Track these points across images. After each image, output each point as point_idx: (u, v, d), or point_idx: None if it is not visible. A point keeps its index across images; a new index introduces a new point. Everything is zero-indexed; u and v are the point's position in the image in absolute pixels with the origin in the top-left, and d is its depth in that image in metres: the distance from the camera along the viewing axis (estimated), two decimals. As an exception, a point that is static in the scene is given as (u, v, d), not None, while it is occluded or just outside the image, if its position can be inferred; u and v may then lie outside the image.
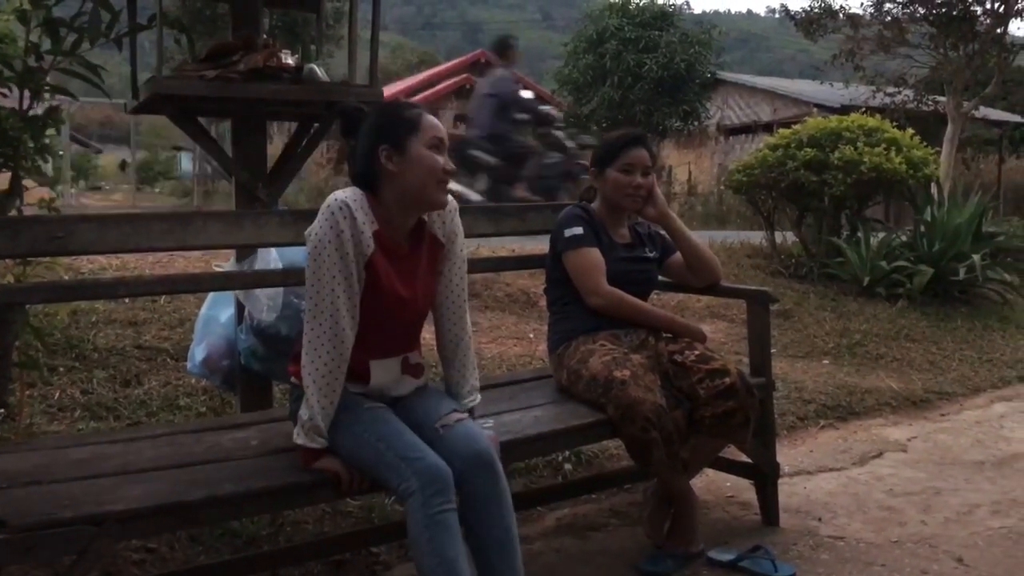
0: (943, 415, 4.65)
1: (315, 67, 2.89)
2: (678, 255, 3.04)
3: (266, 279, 2.65)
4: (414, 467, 1.94)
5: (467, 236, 2.29)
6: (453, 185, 4.96)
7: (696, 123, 20.19)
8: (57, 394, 3.39)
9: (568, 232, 2.85)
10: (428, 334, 2.31)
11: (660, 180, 19.60)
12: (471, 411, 2.27)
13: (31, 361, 3.07)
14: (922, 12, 13.87)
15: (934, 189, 7.77)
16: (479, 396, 2.33)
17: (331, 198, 2.06)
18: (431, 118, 2.14)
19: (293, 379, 2.16)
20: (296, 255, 2.78)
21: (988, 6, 13.53)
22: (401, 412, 2.15)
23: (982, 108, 15.63)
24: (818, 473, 3.63)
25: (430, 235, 2.21)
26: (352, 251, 2.03)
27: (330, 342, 2.02)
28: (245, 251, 2.89)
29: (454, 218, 2.25)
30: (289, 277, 2.64)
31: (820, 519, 3.11)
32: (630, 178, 2.89)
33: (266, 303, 2.77)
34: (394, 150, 2.09)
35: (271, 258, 2.85)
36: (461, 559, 1.92)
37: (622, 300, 2.81)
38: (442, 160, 2.11)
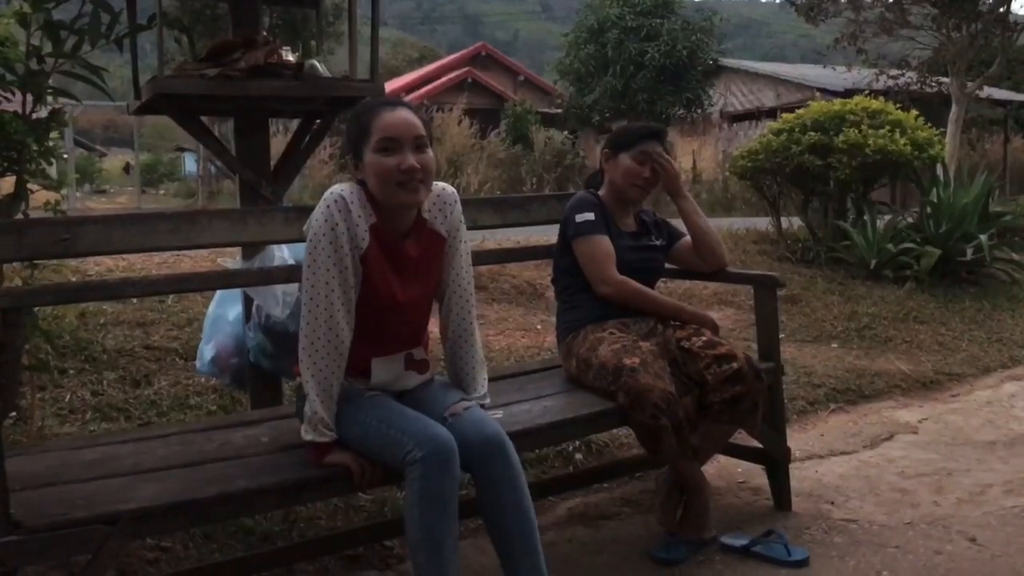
0: (953, 396, 4.64)
1: (316, 63, 2.88)
2: (685, 241, 3.03)
3: (274, 276, 2.65)
4: (417, 438, 1.94)
5: (472, 228, 2.28)
6: None
7: (699, 111, 20.12)
8: (68, 396, 3.41)
9: (579, 217, 2.84)
10: (436, 327, 2.31)
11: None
12: (482, 406, 2.24)
13: (41, 364, 3.08)
14: (924, -7, 13.78)
15: (940, 170, 7.73)
16: (487, 388, 2.31)
17: (328, 191, 2.07)
18: (384, 117, 2.05)
19: (298, 377, 2.16)
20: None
21: (990, -15, 13.43)
22: (407, 404, 2.14)
23: (986, 88, 15.54)
24: (829, 457, 3.62)
25: (430, 230, 2.18)
26: (347, 244, 2.03)
27: (326, 335, 2.03)
28: (251, 249, 2.90)
29: (455, 210, 2.21)
30: (297, 274, 2.64)
31: (832, 503, 3.11)
32: (642, 168, 2.89)
33: (282, 298, 2.78)
34: (356, 159, 2.10)
35: (281, 255, 2.85)
36: (449, 539, 1.90)
37: (631, 289, 2.81)
38: (395, 160, 2.02)
